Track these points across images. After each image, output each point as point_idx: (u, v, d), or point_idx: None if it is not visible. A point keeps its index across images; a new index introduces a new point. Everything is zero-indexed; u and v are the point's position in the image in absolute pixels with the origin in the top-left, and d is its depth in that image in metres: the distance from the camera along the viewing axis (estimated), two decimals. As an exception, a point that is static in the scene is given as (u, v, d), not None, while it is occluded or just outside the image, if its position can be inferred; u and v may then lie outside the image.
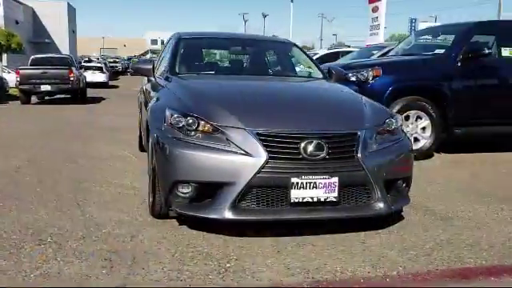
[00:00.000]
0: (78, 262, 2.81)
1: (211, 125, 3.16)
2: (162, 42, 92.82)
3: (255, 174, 2.98)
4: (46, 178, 4.79)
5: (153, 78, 4.43)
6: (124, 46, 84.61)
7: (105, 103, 16.07)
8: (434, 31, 7.57)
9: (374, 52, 10.41)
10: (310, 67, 4.89)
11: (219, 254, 2.98)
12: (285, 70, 4.90)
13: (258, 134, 3.06)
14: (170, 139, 3.19)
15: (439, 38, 7.33)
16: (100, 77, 26.69)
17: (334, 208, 3.15)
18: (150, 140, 3.54)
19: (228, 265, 2.82)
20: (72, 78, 15.40)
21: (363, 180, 3.18)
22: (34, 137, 7.65)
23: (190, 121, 3.19)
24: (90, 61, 33.61)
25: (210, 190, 3.11)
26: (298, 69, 5.09)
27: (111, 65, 38.79)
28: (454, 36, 6.76)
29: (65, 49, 42.33)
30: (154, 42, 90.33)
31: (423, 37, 7.81)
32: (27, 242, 3.08)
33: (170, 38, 5.41)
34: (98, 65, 28.84)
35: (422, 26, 37.15)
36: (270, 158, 3.00)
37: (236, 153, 3.03)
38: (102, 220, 3.56)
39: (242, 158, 3.01)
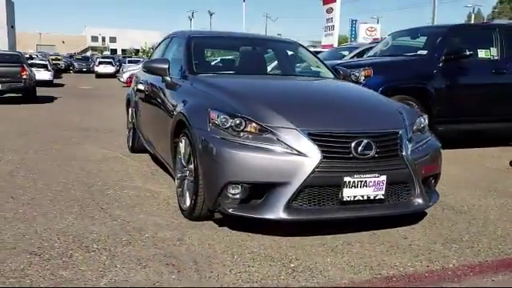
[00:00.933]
0: (140, 268, 2.72)
1: (260, 125, 3.14)
2: (103, 39, 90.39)
3: (310, 174, 3.01)
4: (50, 182, 4.57)
5: (168, 78, 4.32)
6: (62, 42, 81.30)
7: (59, 103, 15.35)
8: (412, 33, 7.87)
9: (345, 53, 10.67)
10: (318, 67, 4.96)
11: (276, 254, 2.98)
12: (298, 69, 4.94)
13: (309, 134, 3.08)
14: (218, 140, 3.14)
15: (417, 39, 7.65)
16: (45, 75, 25.49)
17: (381, 206, 3.24)
18: (186, 141, 3.49)
19: (292, 265, 2.83)
20: (25, 77, 14.64)
21: (406, 177, 3.29)
22: (7, 139, 7.22)
23: (238, 121, 3.16)
24: (31, 58, 32.06)
25: (261, 191, 3.10)
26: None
27: (53, 62, 37.25)
28: (433, 38, 7.10)
29: (3, 45, 40.09)
30: (95, 38, 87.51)
31: (400, 38, 8.10)
32: (74, 250, 2.94)
33: (172, 37, 5.31)
34: (43, 62, 27.55)
35: (362, 27, 38.06)
36: (324, 157, 3.03)
37: (289, 153, 3.04)
38: (137, 224, 3.46)
39: (296, 158, 3.02)
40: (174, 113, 3.86)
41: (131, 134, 6.19)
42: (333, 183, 3.08)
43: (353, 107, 3.64)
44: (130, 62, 38.27)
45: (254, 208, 3.12)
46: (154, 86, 4.79)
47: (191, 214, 3.47)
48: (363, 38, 33.52)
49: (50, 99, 16.15)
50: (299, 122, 3.14)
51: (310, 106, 3.52)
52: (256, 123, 3.16)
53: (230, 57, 5.01)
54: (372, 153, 3.14)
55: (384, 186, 3.17)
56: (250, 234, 3.30)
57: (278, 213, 3.03)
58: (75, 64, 42.71)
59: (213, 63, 4.77)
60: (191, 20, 56.06)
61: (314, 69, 4.88)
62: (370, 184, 3.13)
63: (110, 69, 35.38)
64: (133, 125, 6.02)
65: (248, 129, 3.16)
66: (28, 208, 3.75)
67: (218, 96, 3.58)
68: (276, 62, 5.04)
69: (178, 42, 5.01)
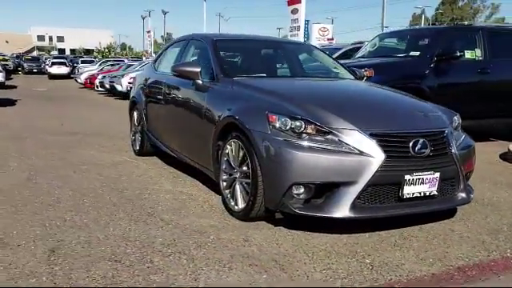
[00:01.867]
0: (227, 269, 2.77)
1: (321, 127, 3.24)
2: (50, 39, 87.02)
3: (375, 173, 3.14)
4: (77, 188, 4.47)
5: (200, 81, 4.33)
6: (6, 42, 77.69)
7: (23, 106, 14.71)
8: (400, 35, 8.20)
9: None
10: (336, 68, 5.10)
11: (346, 251, 3.10)
12: (324, 71, 5.06)
13: (371, 134, 3.22)
14: (282, 142, 3.22)
15: (405, 41, 7.99)
16: (-3, 76, 24.42)
17: (433, 201, 3.42)
18: (238, 144, 3.55)
19: (367, 261, 2.96)
20: (-13, 79, 14.03)
21: (454, 174, 3.50)
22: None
23: (298, 123, 3.25)
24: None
25: (325, 190, 3.21)
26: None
27: (1, 63, 35.68)
28: (424, 39, 7.45)
29: None
30: (41, 38, 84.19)
31: (387, 40, 8.42)
32: (151, 255, 2.94)
33: (189, 40, 5.30)
34: (-6, 63, 26.41)
35: (314, 27, 38.60)
36: (387, 157, 3.17)
37: (353, 153, 3.16)
38: (194, 227, 3.48)
39: (361, 158, 3.15)
40: (218, 116, 3.89)
41: (138, 137, 6.13)
42: (394, 181, 3.23)
43: (399, 108, 3.80)
44: (83, 62, 37.24)
45: (319, 207, 3.22)
46: (179, 88, 4.77)
47: (247, 215, 3.52)
48: (316, 38, 34.15)
49: (11, 102, 15.49)
50: (359, 123, 3.26)
51: (361, 107, 3.67)
52: (316, 125, 3.25)
53: (256, 60, 5.03)
54: (427, 151, 3.31)
55: (437, 183, 3.36)
56: (308, 232, 3.40)
57: (345, 211, 3.15)
58: (24, 65, 41.01)
59: (244, 66, 4.78)
60: (144, 19, 55.06)
61: (334, 70, 5.02)
62: (426, 181, 3.30)
63: (64, 70, 34.31)
64: (141, 128, 5.95)
65: (308, 130, 3.25)
66: (74, 215, 3.68)
67: (268, 98, 3.65)
68: (300, 64, 5.14)
69: (198, 45, 5.03)
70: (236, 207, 3.66)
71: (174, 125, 4.94)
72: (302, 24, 20.74)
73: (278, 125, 3.29)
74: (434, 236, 3.42)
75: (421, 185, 3.29)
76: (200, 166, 4.40)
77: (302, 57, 5.24)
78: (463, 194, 3.60)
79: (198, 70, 4.30)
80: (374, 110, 3.63)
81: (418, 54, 7.24)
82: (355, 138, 3.20)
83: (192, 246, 3.11)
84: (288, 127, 3.27)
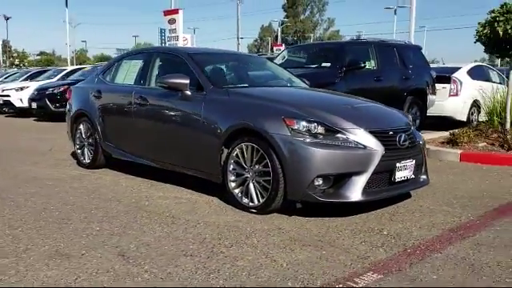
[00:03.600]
0: (289, 250, 3.25)
1: (331, 127, 3.90)
2: None
3: (379, 163, 3.89)
4: (69, 202, 4.46)
5: (189, 92, 4.65)
6: None
7: None
8: (306, 48, 9.22)
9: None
10: (291, 78, 5.77)
11: (363, 227, 3.78)
12: (286, 80, 5.66)
13: (370, 131, 3.96)
14: (303, 142, 3.80)
15: (311, 54, 9.04)
16: None
17: (409, 183, 4.31)
18: (251, 147, 4.04)
19: (385, 232, 3.68)
20: None
21: (421, 160, 4.42)
22: None
23: (313, 125, 3.87)
24: None
25: (340, 179, 3.86)
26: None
27: None
28: (332, 52, 8.57)
29: None
30: None
31: (294, 53, 9.41)
32: (215, 247, 3.29)
33: (153, 53, 5.53)
34: None
35: (173, 36, 39.06)
36: (385, 149, 3.94)
37: (361, 148, 3.87)
38: (225, 223, 3.85)
39: (368, 151, 3.87)
40: (222, 123, 4.29)
41: (87, 150, 6.11)
42: (389, 169, 4.02)
43: (379, 109, 4.61)
44: None
45: (336, 194, 3.86)
46: (160, 100, 4.99)
47: (266, 209, 4.01)
48: (175, 47, 34.90)
49: None
50: (359, 123, 3.99)
51: (352, 110, 4.39)
52: (327, 126, 3.90)
53: (229, 71, 5.46)
54: (407, 143, 4.17)
55: (413, 168, 4.24)
56: (320, 218, 4.00)
57: (359, 196, 3.85)
58: None
59: (222, 77, 5.17)
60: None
61: (294, 80, 5.68)
62: (408, 167, 4.16)
63: None
64: (94, 141, 5.95)
65: (320, 131, 3.88)
66: (101, 225, 3.79)
67: (274, 105, 4.18)
68: (271, 75, 5.72)
69: (169, 58, 5.34)
70: (251, 203, 4.11)
71: (154, 135, 5.12)
72: (180, 34, 21.22)
73: (296, 127, 3.86)
74: (412, 211, 4.28)
75: (405, 170, 4.14)
76: (194, 172, 4.71)
77: (265, 68, 5.85)
78: (425, 177, 4.55)
79: (188, 81, 4.62)
80: (362, 111, 4.40)
81: (329, 65, 8.30)
82: (359, 135, 3.92)
83: (241, 237, 3.52)
84: (305, 129, 3.85)
